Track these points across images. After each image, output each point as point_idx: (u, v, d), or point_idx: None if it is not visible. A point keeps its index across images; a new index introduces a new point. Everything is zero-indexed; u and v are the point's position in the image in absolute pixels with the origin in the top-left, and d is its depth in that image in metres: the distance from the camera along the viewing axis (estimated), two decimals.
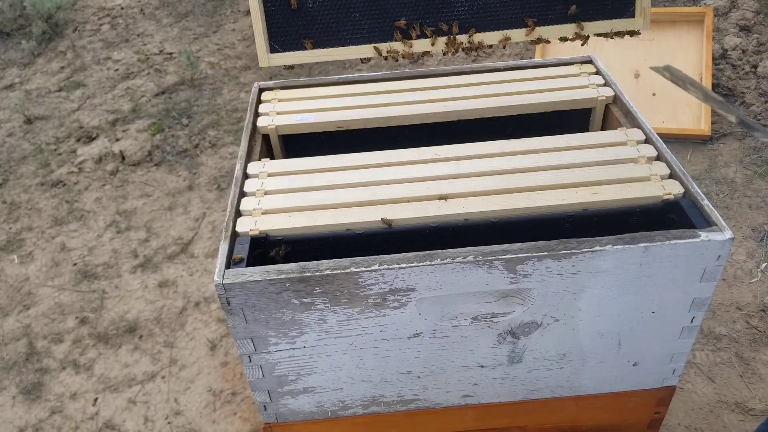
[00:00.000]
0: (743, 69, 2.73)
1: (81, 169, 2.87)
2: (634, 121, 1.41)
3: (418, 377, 1.27)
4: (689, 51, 2.68)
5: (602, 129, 1.55)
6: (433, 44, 1.31)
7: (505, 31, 1.32)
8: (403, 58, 1.32)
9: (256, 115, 1.52)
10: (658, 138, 1.33)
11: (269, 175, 1.33)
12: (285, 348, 1.18)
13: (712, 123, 2.58)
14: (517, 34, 1.33)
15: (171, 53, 3.71)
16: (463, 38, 1.31)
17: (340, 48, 1.32)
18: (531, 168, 1.28)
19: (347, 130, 1.51)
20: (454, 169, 1.29)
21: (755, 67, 2.72)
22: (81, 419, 1.84)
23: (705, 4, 2.94)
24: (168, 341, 2.04)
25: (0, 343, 2.10)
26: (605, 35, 1.36)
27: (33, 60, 3.78)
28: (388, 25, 1.30)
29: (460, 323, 1.17)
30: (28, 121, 3.23)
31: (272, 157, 1.49)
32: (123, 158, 2.90)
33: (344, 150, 1.39)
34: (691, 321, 1.21)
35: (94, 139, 3.04)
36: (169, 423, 1.80)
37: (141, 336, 2.06)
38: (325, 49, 1.32)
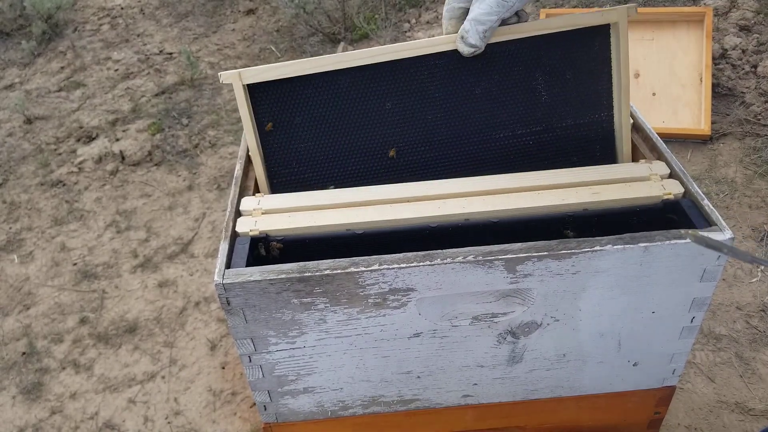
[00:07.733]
0: (743, 69, 2.73)
1: (81, 169, 2.87)
2: (633, 121, 1.41)
3: (418, 377, 1.27)
4: (689, 51, 2.68)
5: None
6: None
7: None
8: None
9: None
10: (658, 138, 1.33)
11: None
12: (285, 348, 1.18)
13: (712, 123, 2.58)
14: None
15: (171, 53, 3.71)
16: None
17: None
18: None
19: None
20: None
21: (755, 67, 2.72)
22: (81, 419, 1.84)
23: (705, 4, 2.94)
24: (168, 341, 2.04)
25: (0, 343, 2.10)
26: None
27: (33, 60, 3.78)
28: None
29: (460, 323, 1.17)
30: (28, 121, 3.24)
31: None
32: (123, 158, 2.90)
33: None
34: (691, 321, 1.21)
35: (94, 139, 3.04)
36: (169, 423, 1.80)
37: (141, 336, 2.06)
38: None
